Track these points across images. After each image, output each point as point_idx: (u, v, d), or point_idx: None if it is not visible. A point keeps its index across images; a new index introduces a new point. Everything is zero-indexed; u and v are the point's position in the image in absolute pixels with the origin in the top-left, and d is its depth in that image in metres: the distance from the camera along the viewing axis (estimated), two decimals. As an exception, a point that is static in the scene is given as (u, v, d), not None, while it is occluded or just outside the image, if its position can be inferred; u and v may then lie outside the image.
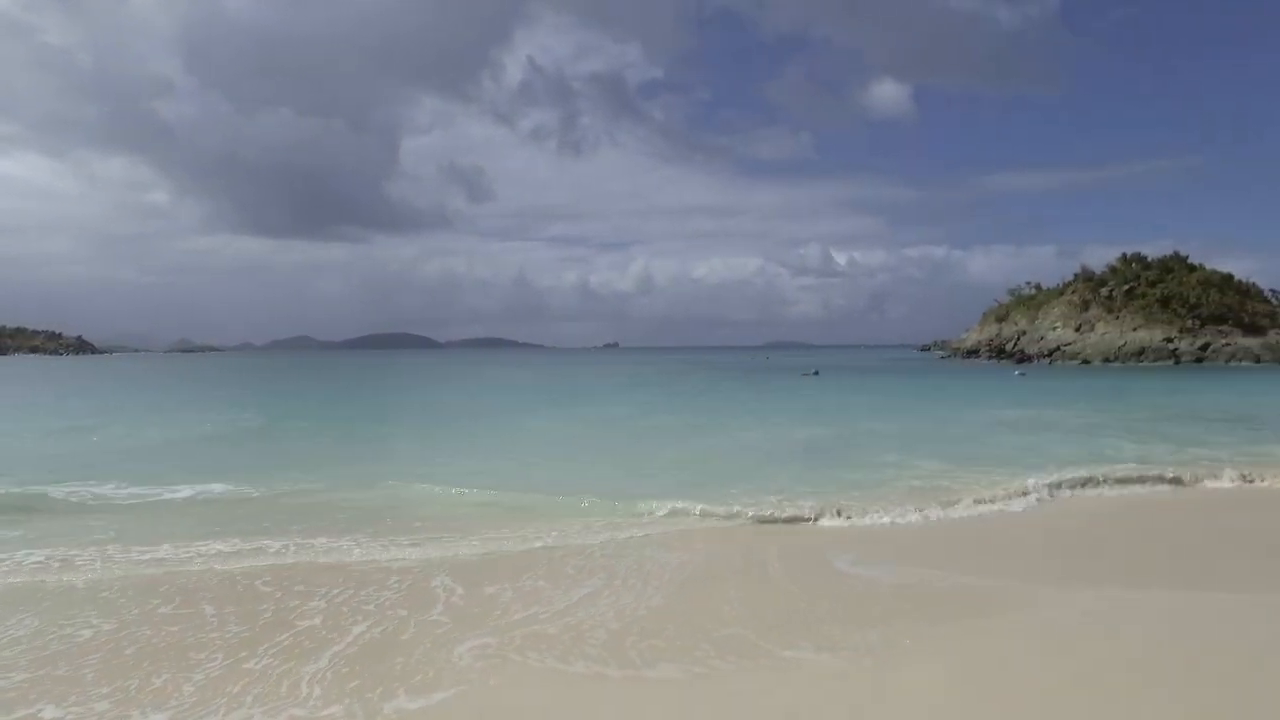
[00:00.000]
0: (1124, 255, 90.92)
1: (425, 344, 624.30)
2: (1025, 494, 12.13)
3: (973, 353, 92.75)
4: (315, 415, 28.46)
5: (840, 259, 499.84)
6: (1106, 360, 76.96)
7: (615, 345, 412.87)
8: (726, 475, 13.86)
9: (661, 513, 10.76)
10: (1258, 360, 70.80)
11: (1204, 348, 74.76)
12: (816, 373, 60.55)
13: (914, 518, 10.76)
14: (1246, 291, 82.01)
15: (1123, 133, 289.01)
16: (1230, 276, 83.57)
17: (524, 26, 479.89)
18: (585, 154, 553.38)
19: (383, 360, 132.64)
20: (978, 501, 11.66)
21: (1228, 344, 74.47)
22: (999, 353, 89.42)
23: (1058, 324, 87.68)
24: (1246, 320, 77.87)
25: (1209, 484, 13.29)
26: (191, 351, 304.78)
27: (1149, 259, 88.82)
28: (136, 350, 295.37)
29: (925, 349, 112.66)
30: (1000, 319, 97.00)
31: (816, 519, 10.59)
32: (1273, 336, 75.02)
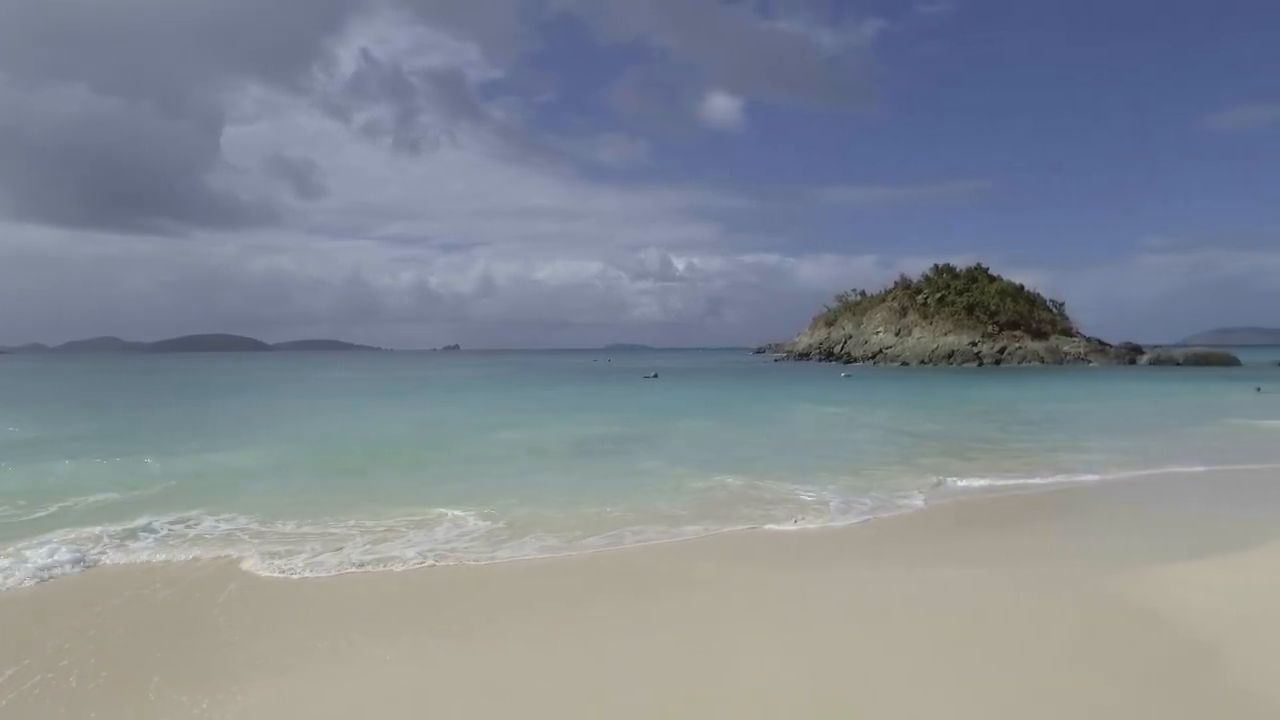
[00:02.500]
0: (936, 266, 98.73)
1: (252, 346, 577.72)
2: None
3: (804, 355, 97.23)
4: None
5: (679, 264, 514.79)
6: (922, 362, 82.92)
7: (456, 348, 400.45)
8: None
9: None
10: (1042, 361, 78.84)
11: (1001, 351, 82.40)
12: (655, 375, 60.65)
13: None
14: (1034, 301, 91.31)
15: (933, 155, 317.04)
16: (1021, 287, 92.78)
17: (358, 17, 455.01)
18: (424, 152, 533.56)
19: (193, 363, 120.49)
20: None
21: (1020, 347, 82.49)
22: (828, 355, 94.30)
23: (880, 328, 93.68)
24: (1034, 326, 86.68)
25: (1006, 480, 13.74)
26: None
27: (957, 270, 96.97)
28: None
29: (759, 351, 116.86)
30: (829, 323, 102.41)
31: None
32: (1053, 341, 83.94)
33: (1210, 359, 73.78)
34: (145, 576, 7.78)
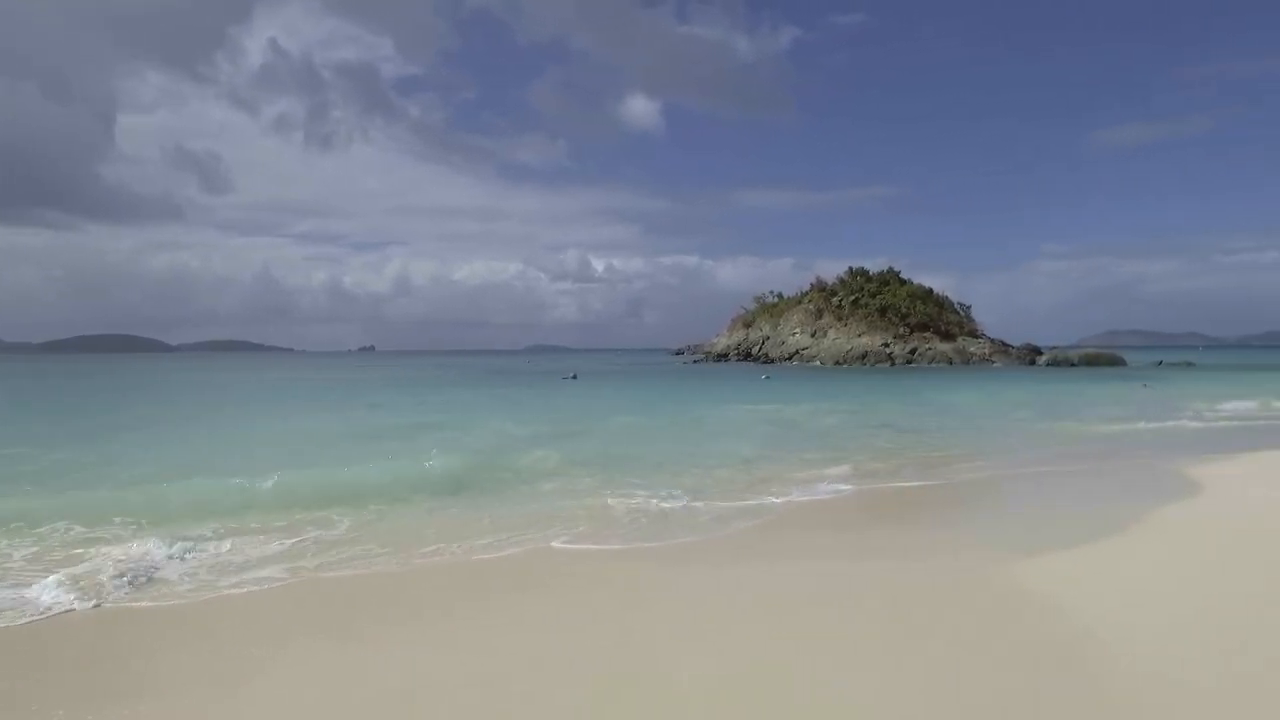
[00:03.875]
0: (850, 269, 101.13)
1: (153, 347, 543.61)
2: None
3: (723, 356, 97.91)
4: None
5: (599, 265, 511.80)
6: (837, 363, 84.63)
7: (371, 349, 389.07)
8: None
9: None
10: (950, 362, 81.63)
11: (913, 352, 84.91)
12: (575, 376, 59.69)
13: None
14: (942, 304, 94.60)
15: (846, 161, 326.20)
16: (931, 290, 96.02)
17: (265, 6, 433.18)
18: (337, 148, 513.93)
19: (81, 365, 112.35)
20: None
21: (930, 348, 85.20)
22: (746, 356, 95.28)
23: (796, 330, 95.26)
24: (943, 328, 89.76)
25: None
26: None
27: (871, 273, 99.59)
28: None
29: (678, 353, 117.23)
30: (747, 325, 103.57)
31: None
32: (961, 343, 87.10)
33: (1101, 359, 78.00)
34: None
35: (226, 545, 8.56)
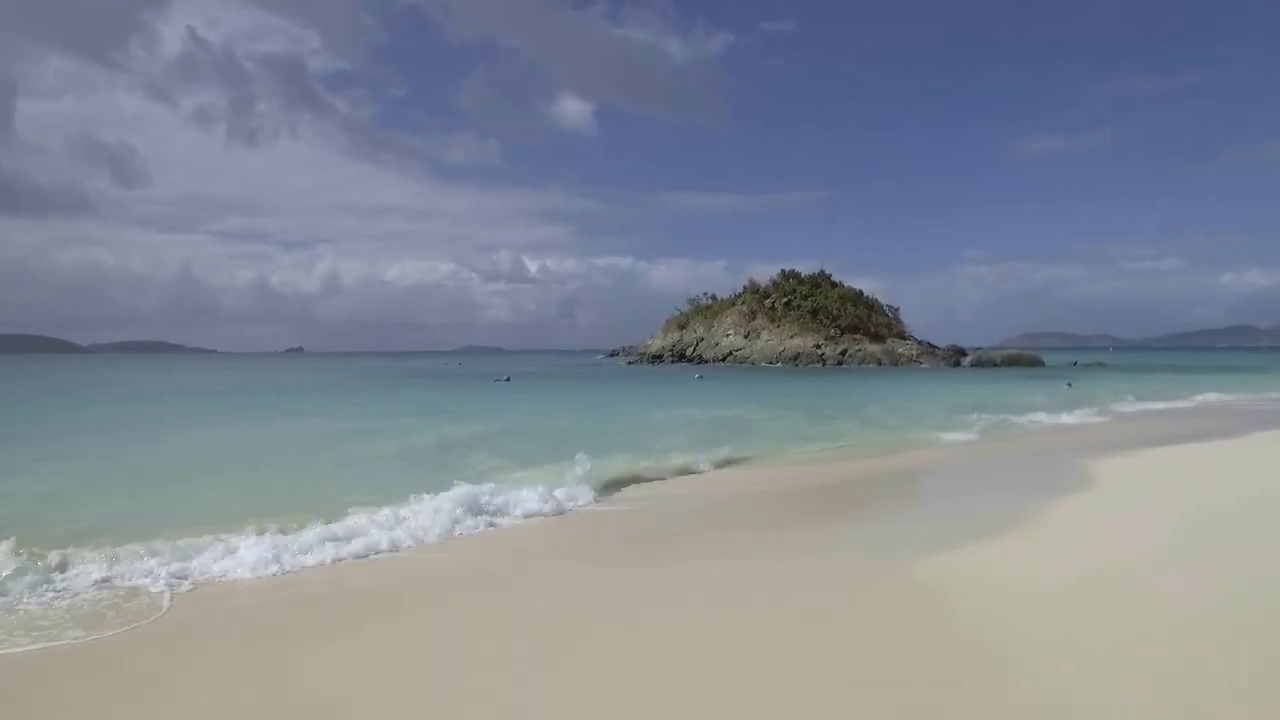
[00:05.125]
0: (783, 271, 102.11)
1: (62, 348, 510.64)
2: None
3: (657, 358, 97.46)
4: None
5: (532, 266, 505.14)
6: (770, 364, 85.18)
7: (300, 350, 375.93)
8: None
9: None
10: (879, 363, 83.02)
11: (843, 353, 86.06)
12: (508, 379, 58.13)
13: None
14: (872, 306, 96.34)
15: (778, 165, 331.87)
16: (861, 293, 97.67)
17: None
18: (262, 144, 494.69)
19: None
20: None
21: (860, 349, 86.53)
22: (680, 357, 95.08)
23: (730, 331, 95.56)
24: (873, 330, 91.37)
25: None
26: None
27: (803, 275, 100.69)
28: None
29: (613, 354, 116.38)
30: (681, 326, 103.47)
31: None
32: (890, 344, 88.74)
33: (1021, 360, 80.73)
34: None
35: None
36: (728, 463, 15.30)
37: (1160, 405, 29.89)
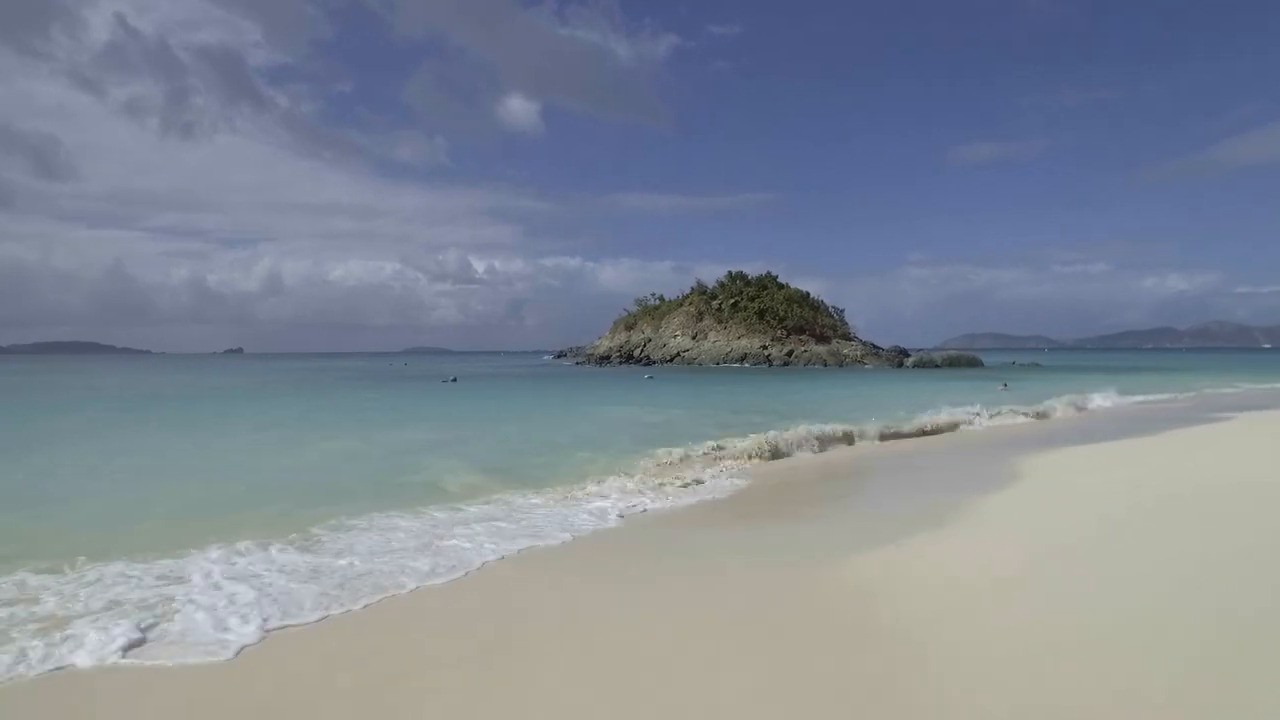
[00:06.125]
0: (730, 273, 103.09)
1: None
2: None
3: (605, 359, 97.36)
4: None
5: (479, 266, 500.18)
6: (717, 364, 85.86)
7: (239, 351, 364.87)
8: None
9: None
10: (825, 364, 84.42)
11: (790, 354, 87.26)
12: (455, 380, 57.39)
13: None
14: (817, 308, 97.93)
15: (723, 168, 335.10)
16: (807, 294, 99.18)
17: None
18: (199, 138, 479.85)
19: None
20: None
21: (806, 350, 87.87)
22: (628, 358, 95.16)
23: (678, 332, 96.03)
24: (819, 331, 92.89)
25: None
26: None
27: (750, 277, 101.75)
28: None
29: (560, 355, 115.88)
30: (629, 327, 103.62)
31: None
32: (835, 345, 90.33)
33: (961, 361, 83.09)
34: None
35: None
36: (670, 463, 15.18)
37: (1096, 403, 31.01)
